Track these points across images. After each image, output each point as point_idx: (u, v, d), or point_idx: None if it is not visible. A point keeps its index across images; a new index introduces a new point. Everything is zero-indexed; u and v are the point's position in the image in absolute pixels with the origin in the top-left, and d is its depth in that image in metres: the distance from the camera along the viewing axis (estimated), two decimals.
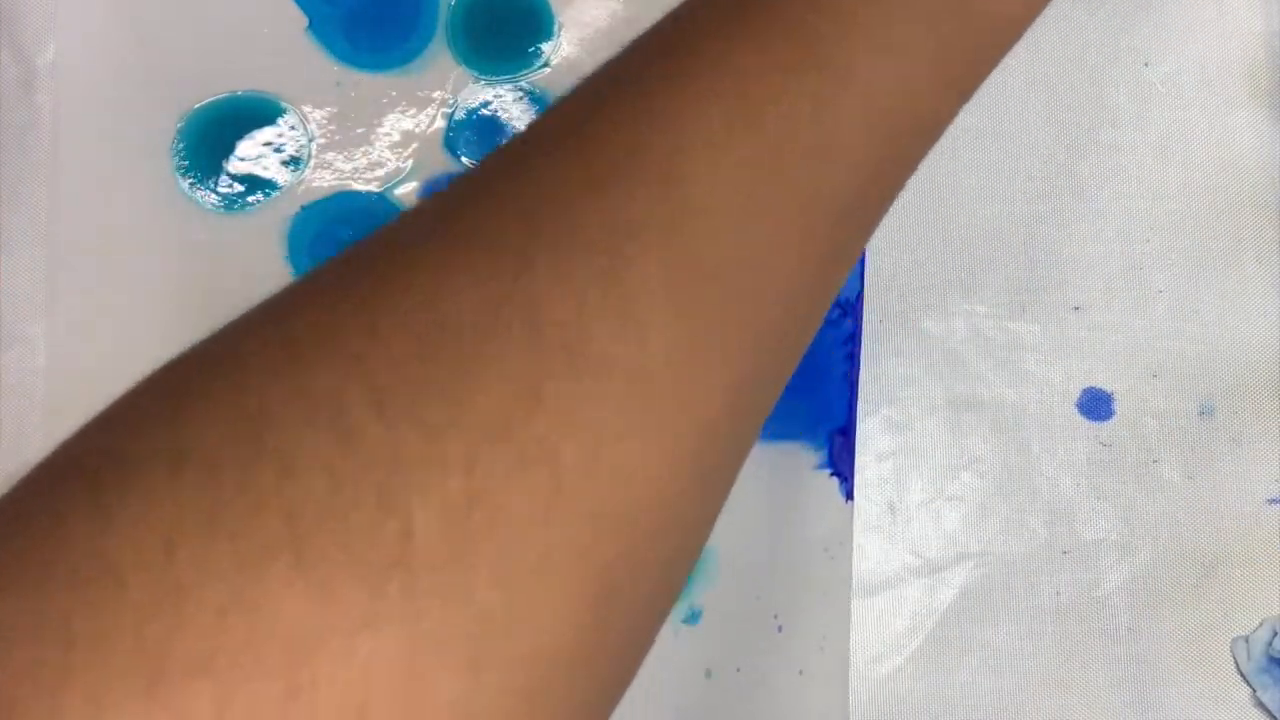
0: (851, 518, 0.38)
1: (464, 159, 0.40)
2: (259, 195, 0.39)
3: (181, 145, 0.39)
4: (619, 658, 0.20)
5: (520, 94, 0.40)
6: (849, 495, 0.38)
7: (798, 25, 0.22)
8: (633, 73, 0.22)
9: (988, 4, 0.24)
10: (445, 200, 0.21)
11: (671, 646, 0.38)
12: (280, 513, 0.17)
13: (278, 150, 0.40)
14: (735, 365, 0.21)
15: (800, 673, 0.37)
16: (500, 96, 0.40)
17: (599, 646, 0.19)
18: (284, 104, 0.40)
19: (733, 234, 0.21)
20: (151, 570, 0.17)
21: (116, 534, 0.17)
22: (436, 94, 0.40)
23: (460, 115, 0.40)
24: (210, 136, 0.39)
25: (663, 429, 0.20)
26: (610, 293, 0.20)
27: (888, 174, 0.24)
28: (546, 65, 0.40)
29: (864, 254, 0.39)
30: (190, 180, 0.39)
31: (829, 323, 0.39)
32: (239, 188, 0.39)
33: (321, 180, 0.40)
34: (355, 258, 0.21)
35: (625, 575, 0.19)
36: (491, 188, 0.21)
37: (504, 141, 0.22)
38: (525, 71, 0.40)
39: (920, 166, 0.41)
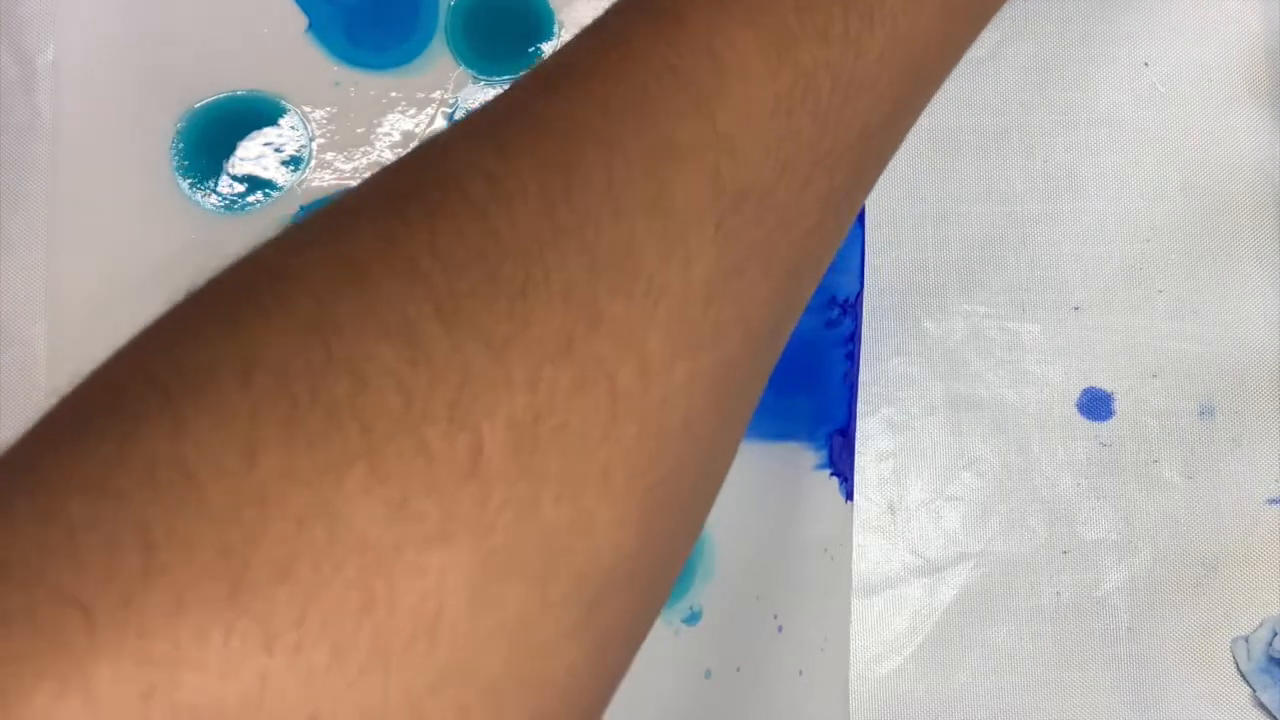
0: (851, 518, 0.38)
1: None
2: (259, 195, 0.39)
3: (181, 145, 0.39)
4: (660, 577, 0.21)
5: None
6: (849, 495, 0.38)
7: None
8: (665, 1, 0.22)
9: None
10: (490, 117, 0.21)
11: (671, 646, 0.38)
12: (355, 424, 0.17)
13: (278, 150, 0.40)
14: (766, 294, 0.21)
15: (800, 673, 0.37)
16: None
17: (646, 563, 0.20)
18: (284, 104, 0.40)
19: (767, 164, 0.21)
20: (231, 477, 0.16)
21: (193, 442, 0.17)
22: (436, 94, 0.40)
23: (460, 115, 0.40)
24: (210, 136, 0.39)
25: (702, 354, 0.20)
26: (656, 216, 0.20)
27: (906, 108, 0.24)
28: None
29: (864, 254, 0.39)
30: (190, 181, 0.39)
31: (829, 323, 0.39)
32: (239, 188, 0.39)
33: (321, 180, 0.40)
34: (409, 170, 0.21)
35: (668, 495, 0.20)
36: (532, 107, 0.21)
37: (539, 62, 0.23)
38: (519, 70, 0.40)
39: (921, 165, 0.41)
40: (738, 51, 0.21)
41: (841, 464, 0.38)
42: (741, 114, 0.21)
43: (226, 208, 0.39)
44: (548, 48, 0.40)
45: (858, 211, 0.25)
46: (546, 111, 0.21)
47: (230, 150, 0.39)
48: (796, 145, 0.22)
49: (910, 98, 0.24)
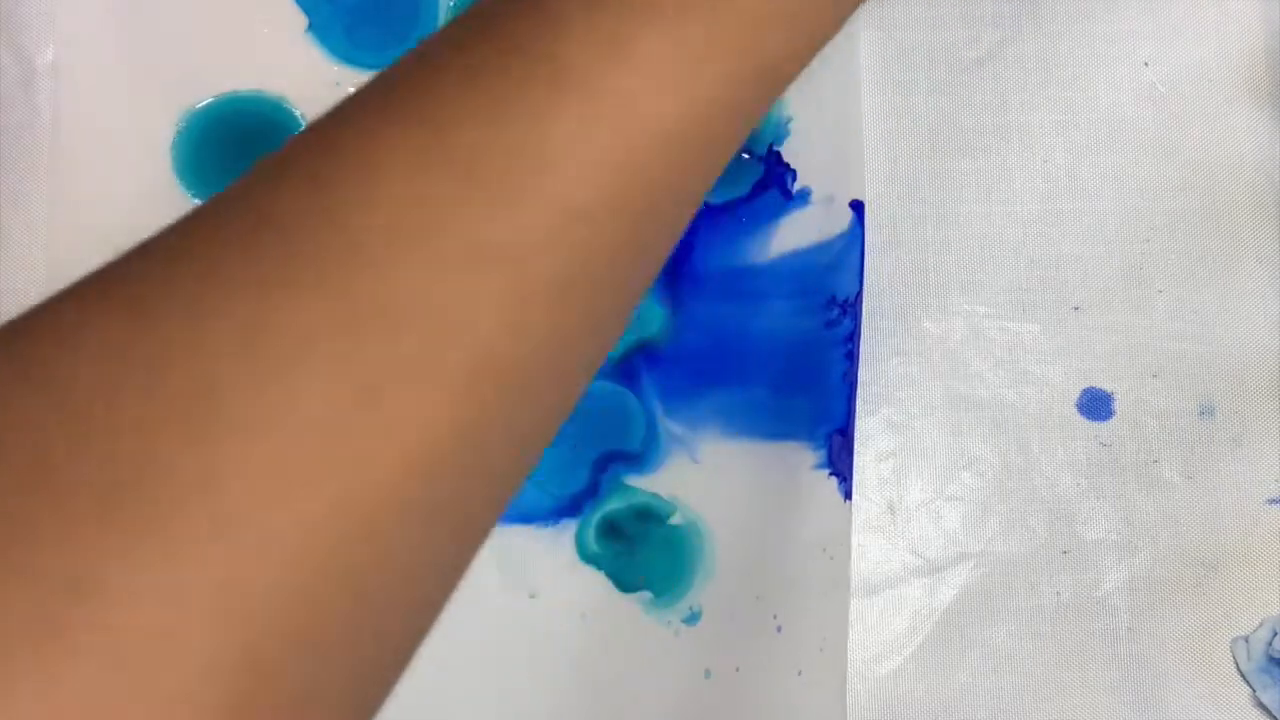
0: (850, 518, 0.38)
1: None
2: None
3: (181, 145, 0.39)
4: None
5: None
6: (847, 495, 0.38)
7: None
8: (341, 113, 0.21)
9: None
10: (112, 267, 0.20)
11: (671, 647, 0.38)
12: None
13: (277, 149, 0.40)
14: (431, 413, 0.19)
15: (799, 673, 0.37)
16: None
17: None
18: (284, 104, 0.40)
19: (411, 279, 0.19)
20: None
21: None
22: None
23: None
24: (210, 136, 0.39)
25: (323, 487, 0.18)
26: (254, 349, 0.18)
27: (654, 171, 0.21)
28: None
29: (863, 254, 0.39)
30: (190, 180, 0.39)
31: (828, 323, 0.39)
32: None
33: None
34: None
35: (276, 654, 0.18)
36: (145, 247, 0.20)
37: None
38: None
39: (921, 165, 0.41)
40: (388, 165, 0.20)
41: (840, 464, 0.38)
42: (383, 231, 0.19)
43: None
44: None
45: (619, 319, 0.22)
46: (147, 251, 0.20)
47: (230, 150, 0.39)
48: (453, 249, 0.19)
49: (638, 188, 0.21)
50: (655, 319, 0.40)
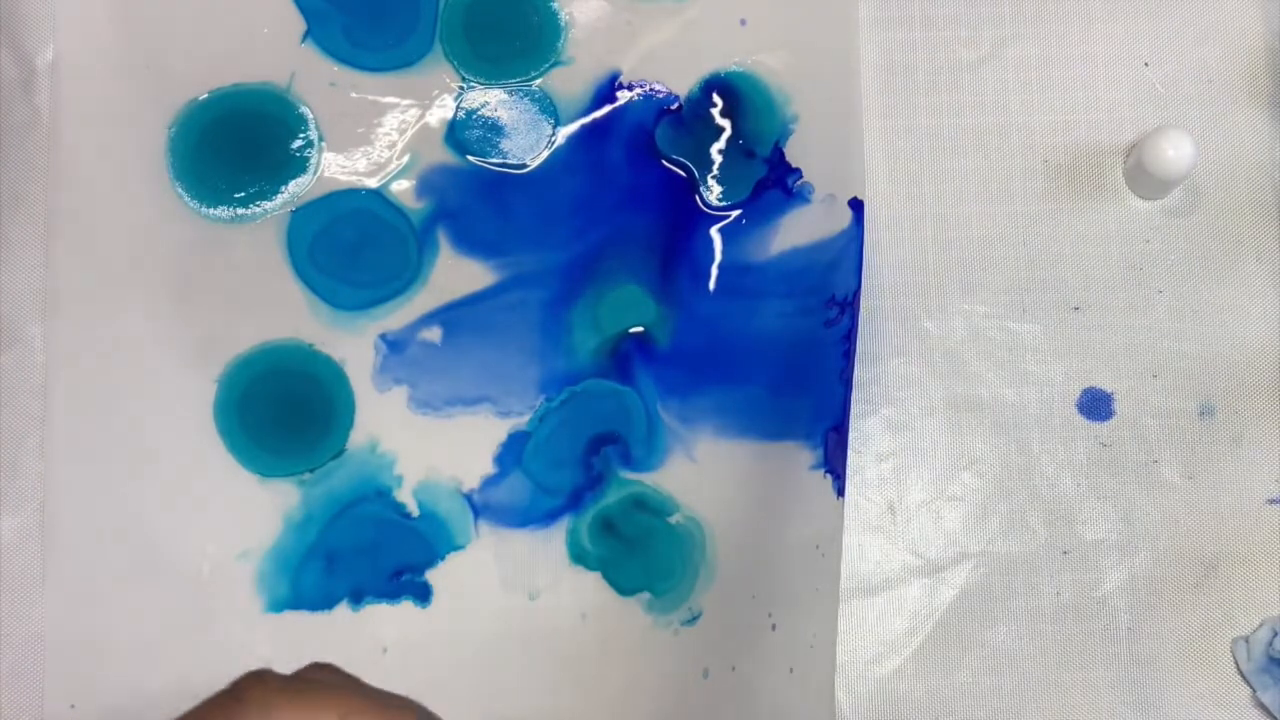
0: (843, 515, 0.38)
1: (469, 156, 0.40)
2: (259, 196, 0.39)
3: (180, 145, 0.39)
4: None
5: (521, 93, 0.40)
6: (841, 492, 0.38)
7: None
8: None
9: None
10: None
11: (670, 647, 0.38)
12: None
13: (278, 150, 0.40)
14: None
15: (791, 670, 0.37)
16: (500, 97, 0.40)
17: None
18: (283, 105, 0.40)
19: None
20: None
21: None
22: (436, 94, 0.40)
23: (460, 115, 0.40)
24: (209, 136, 0.39)
25: None
26: None
27: None
28: (549, 65, 0.40)
29: (861, 252, 0.39)
30: (189, 180, 0.39)
31: (827, 322, 0.39)
32: (239, 188, 0.39)
33: (321, 180, 0.40)
34: None
35: None
36: None
37: None
38: (525, 72, 0.40)
39: (921, 165, 0.41)
40: None
41: (835, 461, 0.38)
42: None
43: (226, 207, 0.39)
44: (548, 48, 0.40)
45: None
46: None
47: (229, 150, 0.39)
48: None
49: None
50: (649, 310, 0.40)
